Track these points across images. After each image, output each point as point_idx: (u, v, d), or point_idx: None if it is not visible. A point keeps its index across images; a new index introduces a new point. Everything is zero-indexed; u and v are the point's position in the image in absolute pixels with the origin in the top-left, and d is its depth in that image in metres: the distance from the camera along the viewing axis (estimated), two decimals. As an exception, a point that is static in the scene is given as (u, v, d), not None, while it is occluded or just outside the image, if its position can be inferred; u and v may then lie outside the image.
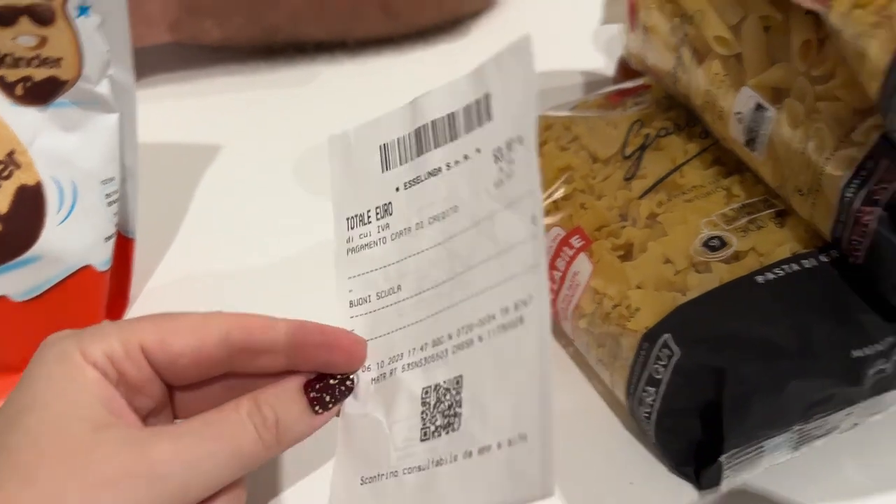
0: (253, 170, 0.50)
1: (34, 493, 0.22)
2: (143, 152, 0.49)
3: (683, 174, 0.36)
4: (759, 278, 0.31)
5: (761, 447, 0.30)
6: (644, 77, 0.44)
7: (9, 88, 0.31)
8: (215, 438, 0.25)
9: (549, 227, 0.37)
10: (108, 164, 0.34)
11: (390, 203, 0.30)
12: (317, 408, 0.27)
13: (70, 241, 0.33)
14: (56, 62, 0.31)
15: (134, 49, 0.56)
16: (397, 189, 0.29)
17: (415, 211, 0.29)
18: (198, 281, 0.42)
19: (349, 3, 0.56)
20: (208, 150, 0.50)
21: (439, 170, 0.28)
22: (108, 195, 0.34)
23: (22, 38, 0.31)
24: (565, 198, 0.38)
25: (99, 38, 0.32)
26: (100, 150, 0.34)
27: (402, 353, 0.28)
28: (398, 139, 0.30)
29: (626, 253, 0.35)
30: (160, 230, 0.44)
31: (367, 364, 0.28)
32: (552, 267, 0.36)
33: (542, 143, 0.41)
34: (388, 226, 0.29)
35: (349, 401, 0.28)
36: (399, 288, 0.29)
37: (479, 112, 0.27)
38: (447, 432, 0.25)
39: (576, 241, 0.36)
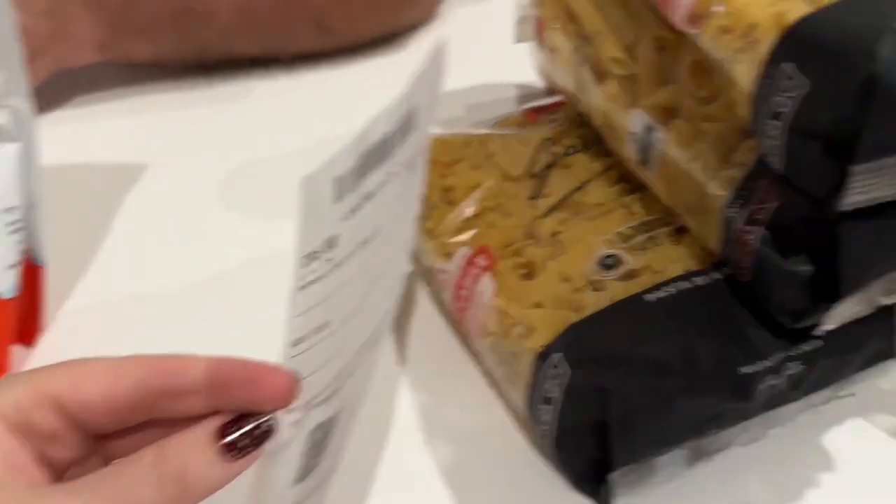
0: (180, 189, 0.50)
1: None
2: (68, 173, 0.49)
3: (587, 192, 0.37)
4: (649, 296, 0.32)
5: (653, 464, 0.31)
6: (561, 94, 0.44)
7: None
8: (111, 495, 0.23)
9: (458, 246, 0.37)
10: (9, 194, 0.34)
11: (337, 235, 0.29)
12: (232, 454, 0.24)
13: (-29, 270, 0.33)
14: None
15: (63, 70, 0.57)
16: (343, 219, 0.29)
17: (353, 239, 0.28)
18: (116, 306, 0.42)
19: (281, 18, 0.56)
20: (135, 170, 0.50)
21: (374, 193, 0.28)
22: (10, 224, 0.34)
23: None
24: (476, 216, 0.38)
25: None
26: (1, 180, 0.34)
27: (319, 392, 0.27)
28: (348, 168, 0.29)
29: (529, 272, 0.35)
30: (80, 253, 0.44)
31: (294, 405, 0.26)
32: (460, 286, 0.37)
33: (455, 162, 0.41)
34: (332, 259, 0.29)
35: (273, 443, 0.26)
36: (329, 323, 0.28)
37: (407, 126, 0.27)
38: (313, 470, 0.25)
39: (481, 261, 0.36)
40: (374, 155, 0.28)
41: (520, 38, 0.41)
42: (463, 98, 0.59)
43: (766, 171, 0.28)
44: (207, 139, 0.54)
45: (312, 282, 0.28)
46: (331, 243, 0.28)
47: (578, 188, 0.37)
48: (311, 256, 0.28)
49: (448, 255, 0.38)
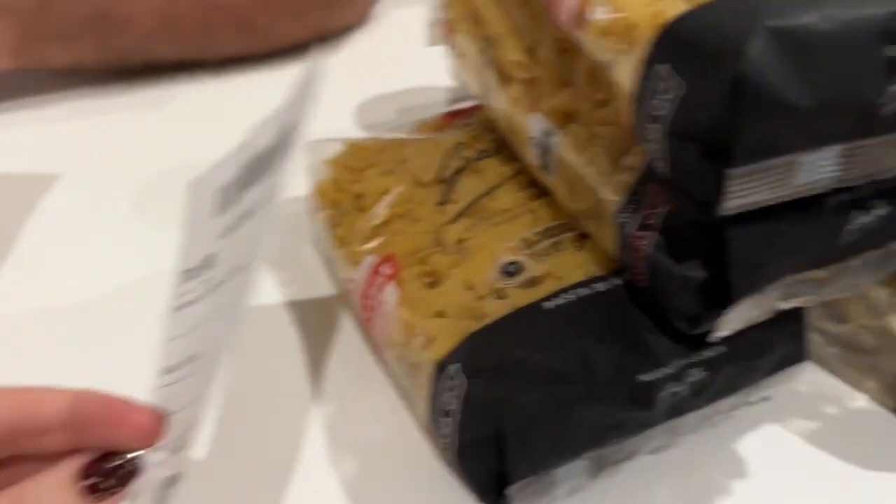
0: (92, 199, 0.48)
1: None
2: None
3: (495, 197, 0.36)
4: (548, 304, 0.31)
5: (553, 475, 0.30)
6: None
7: None
8: None
9: (366, 254, 0.37)
10: None
11: (216, 254, 0.27)
12: (94, 496, 0.23)
13: None
14: None
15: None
16: (222, 236, 0.27)
17: (228, 262, 0.27)
18: (19, 318, 0.40)
19: (203, 22, 0.55)
20: (47, 180, 0.49)
21: (251, 212, 0.27)
22: None
23: None
24: (385, 223, 0.37)
25: None
26: None
27: (182, 433, 0.25)
28: (231, 179, 0.27)
29: (434, 280, 0.34)
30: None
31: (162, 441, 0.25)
32: (366, 296, 0.36)
33: (367, 167, 0.40)
34: (209, 280, 0.27)
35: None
36: (199, 356, 0.27)
37: (287, 141, 0.26)
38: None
39: (386, 270, 0.35)
40: (256, 167, 0.27)
41: (432, 42, 0.40)
42: (394, 101, 0.58)
43: (655, 176, 0.28)
44: (125, 146, 0.52)
45: (189, 303, 0.26)
46: (209, 262, 0.26)
47: (486, 193, 0.36)
48: (189, 274, 0.26)
49: (357, 263, 0.37)
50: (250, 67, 0.59)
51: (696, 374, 0.31)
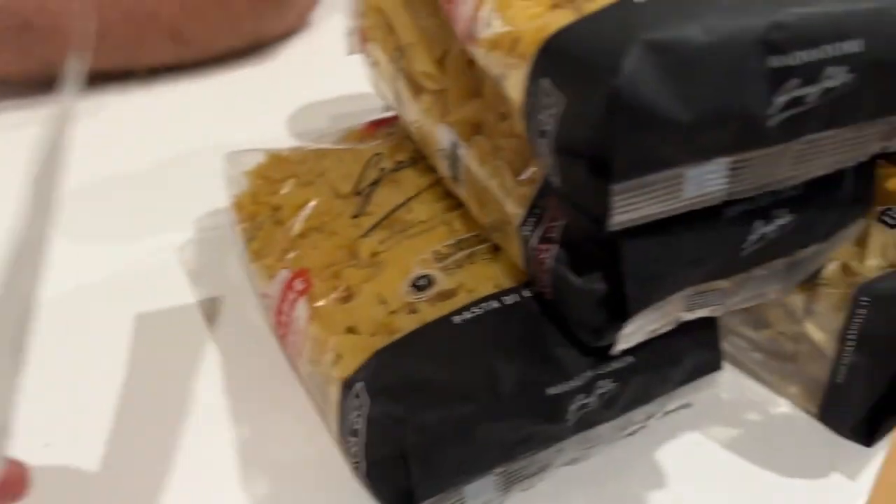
0: (12, 213, 0.47)
1: None
2: None
3: (411, 209, 0.36)
4: (456, 318, 0.31)
5: (461, 493, 0.30)
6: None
7: None
8: None
9: (280, 269, 0.36)
10: None
11: None
12: None
13: None
14: None
15: None
16: None
17: None
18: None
19: (133, 32, 0.54)
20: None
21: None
22: None
23: None
24: (300, 236, 0.37)
25: None
26: None
27: None
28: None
29: (349, 295, 0.34)
30: None
31: None
32: (279, 311, 0.35)
33: (285, 179, 0.40)
34: None
35: None
36: None
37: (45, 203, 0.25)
38: None
39: (298, 285, 0.35)
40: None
41: (351, 51, 0.40)
42: (329, 108, 0.58)
43: (553, 189, 0.27)
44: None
45: None
46: None
47: (402, 205, 0.36)
48: None
49: (272, 277, 0.36)
50: (183, 76, 0.59)
51: (606, 386, 0.30)
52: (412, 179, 0.37)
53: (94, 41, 0.53)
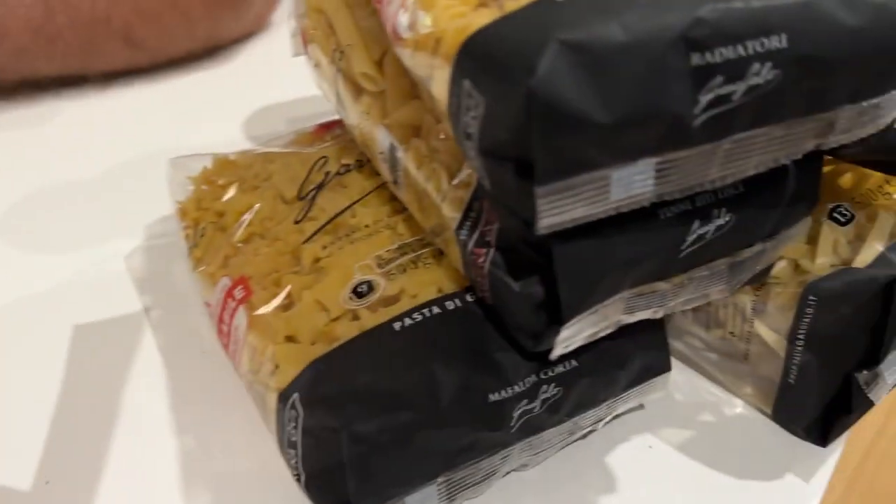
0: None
1: None
2: None
3: (356, 213, 0.35)
4: (397, 325, 0.30)
5: (403, 502, 0.29)
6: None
7: None
8: None
9: (221, 276, 0.35)
10: None
11: None
12: None
13: None
14: None
15: None
16: None
17: None
18: None
19: (85, 36, 0.53)
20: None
21: None
22: None
23: None
24: (244, 241, 0.36)
25: None
26: None
27: None
28: None
29: (290, 303, 0.33)
30: None
31: None
32: (221, 320, 0.35)
33: (230, 184, 0.39)
34: None
35: None
36: None
37: None
38: None
39: (238, 293, 0.34)
40: None
41: (295, 52, 0.39)
42: (286, 111, 0.57)
43: (486, 192, 0.27)
44: (1, 166, 0.50)
45: None
46: None
47: (346, 209, 0.35)
48: None
49: (214, 285, 0.35)
50: (139, 80, 0.58)
51: (549, 391, 0.30)
52: (358, 183, 0.36)
53: (43, 47, 0.52)
